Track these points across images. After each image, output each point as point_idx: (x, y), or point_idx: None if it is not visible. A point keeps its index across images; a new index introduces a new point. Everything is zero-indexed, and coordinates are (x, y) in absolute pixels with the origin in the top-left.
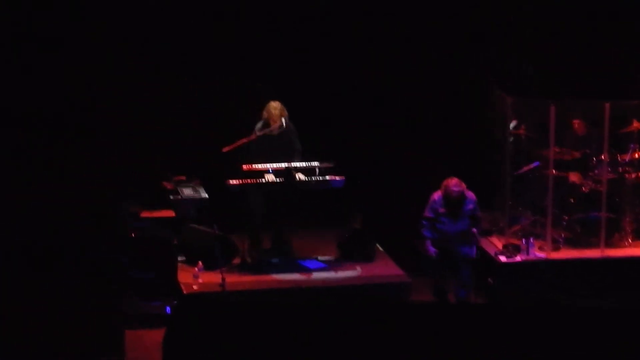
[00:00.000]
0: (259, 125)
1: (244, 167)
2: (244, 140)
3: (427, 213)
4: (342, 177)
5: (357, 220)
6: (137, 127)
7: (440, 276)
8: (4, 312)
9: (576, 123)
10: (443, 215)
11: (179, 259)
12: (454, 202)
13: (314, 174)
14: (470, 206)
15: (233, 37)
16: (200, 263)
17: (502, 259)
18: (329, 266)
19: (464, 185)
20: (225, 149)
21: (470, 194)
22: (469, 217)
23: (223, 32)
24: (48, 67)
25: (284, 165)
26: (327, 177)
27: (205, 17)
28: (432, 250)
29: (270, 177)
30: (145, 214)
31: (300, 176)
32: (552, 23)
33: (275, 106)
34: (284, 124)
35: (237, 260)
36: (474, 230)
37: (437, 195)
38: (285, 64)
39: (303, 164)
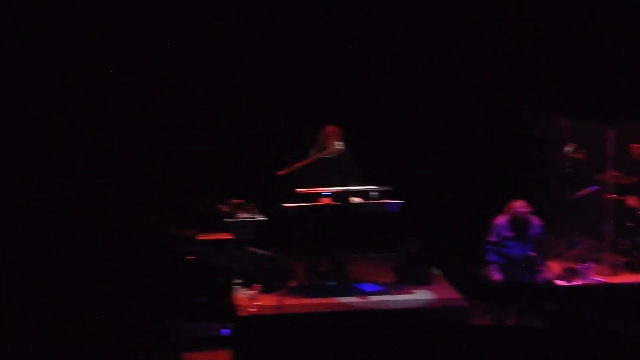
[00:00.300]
0: (315, 148)
1: (299, 190)
2: (300, 163)
3: (491, 237)
4: (399, 201)
5: (414, 244)
6: (193, 150)
7: (502, 301)
8: (52, 332)
9: (635, 147)
10: (508, 239)
11: (236, 281)
12: (519, 225)
13: (370, 198)
14: (536, 230)
15: (292, 63)
16: (257, 286)
17: (561, 283)
18: (385, 289)
19: (530, 208)
20: (281, 172)
21: (535, 219)
22: (533, 242)
23: (282, 58)
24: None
25: (339, 188)
26: (383, 201)
27: (260, 41)
28: (496, 275)
29: (325, 201)
30: (201, 237)
31: (355, 200)
32: (607, 48)
33: (331, 130)
34: (340, 148)
35: (293, 283)
36: (535, 255)
37: (501, 219)
38: (343, 87)
39: (359, 188)
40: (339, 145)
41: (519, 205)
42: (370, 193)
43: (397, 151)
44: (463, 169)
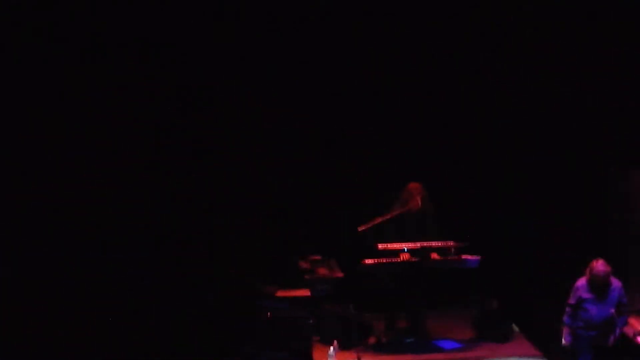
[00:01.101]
0: (396, 204)
1: (379, 246)
2: (380, 219)
3: (570, 300)
4: (478, 257)
5: (493, 300)
6: (273, 204)
7: None
8: None
9: None
10: (588, 302)
11: (314, 338)
12: (599, 287)
13: (450, 253)
14: (617, 292)
15: (381, 122)
16: (335, 342)
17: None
18: (464, 346)
19: (610, 269)
20: (361, 228)
21: (616, 281)
22: (615, 305)
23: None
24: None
25: (418, 244)
26: (463, 257)
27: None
28: (567, 338)
29: (405, 257)
30: (281, 294)
31: (435, 255)
32: None
33: (414, 187)
34: (422, 204)
35: (372, 340)
36: (622, 319)
37: (581, 281)
38: (426, 144)
39: (438, 244)
40: (420, 201)
41: (599, 264)
42: (452, 247)
43: (477, 207)
44: (545, 226)
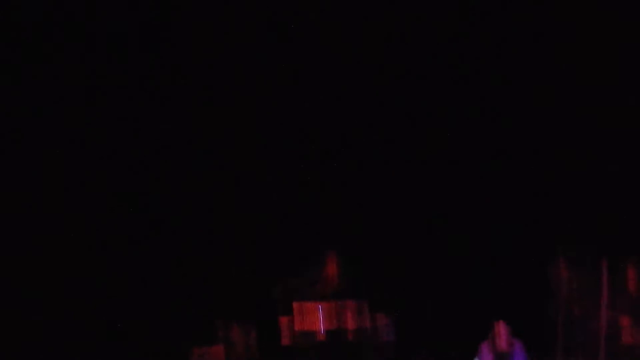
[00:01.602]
0: None
1: None
2: None
3: None
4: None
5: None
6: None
7: None
8: None
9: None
10: None
11: None
12: (501, 353)
13: None
14: (519, 358)
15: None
16: None
17: None
18: None
19: (509, 333)
20: None
21: (518, 344)
22: None
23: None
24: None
25: None
26: None
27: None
28: None
29: None
30: None
31: None
32: None
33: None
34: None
35: None
36: None
37: (485, 344)
38: None
39: None
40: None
41: (500, 330)
42: None
43: None
44: None
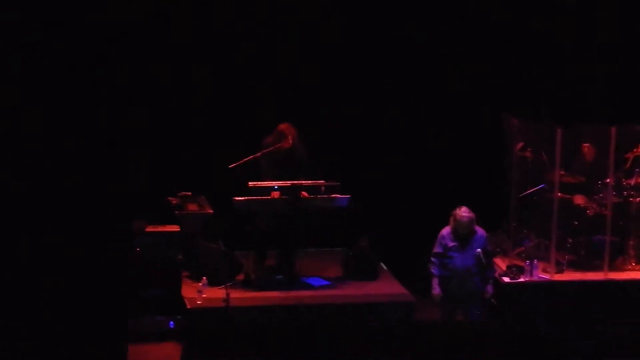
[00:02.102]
0: (267, 142)
1: (250, 183)
2: (251, 157)
3: (436, 249)
4: (348, 196)
5: (363, 240)
6: (143, 139)
7: (448, 314)
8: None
9: (585, 147)
10: (452, 250)
11: (184, 274)
12: (463, 235)
13: (320, 192)
14: (481, 241)
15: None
16: (204, 278)
17: (506, 279)
18: (332, 284)
19: (473, 215)
20: (232, 165)
21: (480, 230)
22: (479, 253)
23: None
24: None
25: (289, 183)
26: (333, 196)
27: (212, 26)
28: (437, 290)
29: (275, 195)
30: (150, 229)
31: (305, 194)
32: (557, 47)
33: (284, 127)
34: (293, 142)
35: (241, 277)
36: (489, 269)
37: (446, 230)
38: (295, 77)
39: (309, 182)
40: (290, 141)
41: (462, 212)
42: (322, 186)
43: (347, 145)
44: (413, 164)
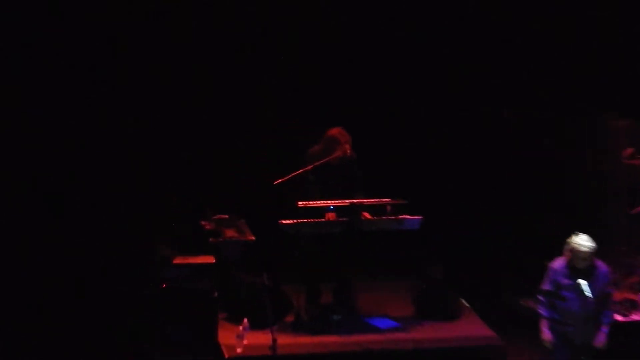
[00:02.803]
0: (315, 152)
1: (300, 203)
2: (299, 171)
3: (545, 285)
4: (419, 217)
5: (438, 270)
6: (171, 152)
7: None
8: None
9: None
10: (567, 289)
11: (220, 314)
12: (581, 270)
13: (385, 213)
14: (602, 279)
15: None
16: (245, 320)
17: (617, 317)
18: (403, 325)
19: (595, 246)
20: (277, 182)
21: (602, 265)
22: (598, 294)
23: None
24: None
25: (347, 201)
26: (401, 217)
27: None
28: (547, 334)
29: (331, 216)
30: (179, 260)
31: (367, 215)
32: None
33: (337, 132)
34: (348, 153)
35: (290, 318)
36: (606, 313)
37: (558, 263)
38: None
39: (371, 201)
40: (346, 149)
41: (582, 242)
42: (388, 205)
43: (415, 156)
44: (500, 178)
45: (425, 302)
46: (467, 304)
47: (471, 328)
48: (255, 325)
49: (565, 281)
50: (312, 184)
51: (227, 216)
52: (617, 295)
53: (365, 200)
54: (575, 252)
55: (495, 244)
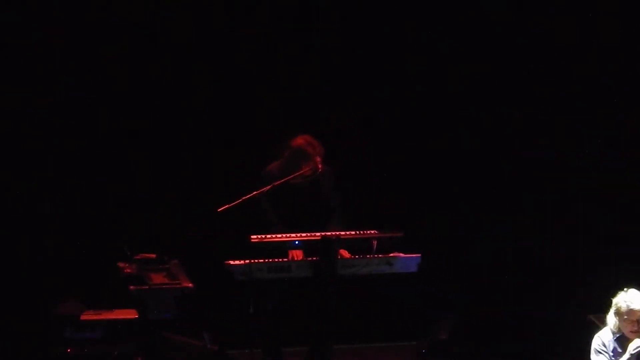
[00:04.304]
0: (274, 169)
1: (253, 238)
2: (254, 193)
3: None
4: (417, 255)
5: (444, 325)
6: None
7: None
8: None
9: None
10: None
11: None
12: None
13: (371, 250)
14: None
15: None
16: None
17: None
18: None
19: None
20: (222, 209)
21: None
22: None
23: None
24: None
25: (318, 234)
26: (393, 255)
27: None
28: None
29: (297, 255)
30: (87, 316)
31: (346, 253)
32: None
33: (303, 142)
34: (319, 168)
35: None
36: None
37: (604, 334)
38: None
39: (351, 233)
40: (317, 163)
41: (630, 301)
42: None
43: (409, 174)
44: (508, 202)
45: None
46: None
47: None
48: None
49: (615, 347)
50: (268, 212)
51: (154, 255)
52: None
53: (343, 233)
54: (627, 316)
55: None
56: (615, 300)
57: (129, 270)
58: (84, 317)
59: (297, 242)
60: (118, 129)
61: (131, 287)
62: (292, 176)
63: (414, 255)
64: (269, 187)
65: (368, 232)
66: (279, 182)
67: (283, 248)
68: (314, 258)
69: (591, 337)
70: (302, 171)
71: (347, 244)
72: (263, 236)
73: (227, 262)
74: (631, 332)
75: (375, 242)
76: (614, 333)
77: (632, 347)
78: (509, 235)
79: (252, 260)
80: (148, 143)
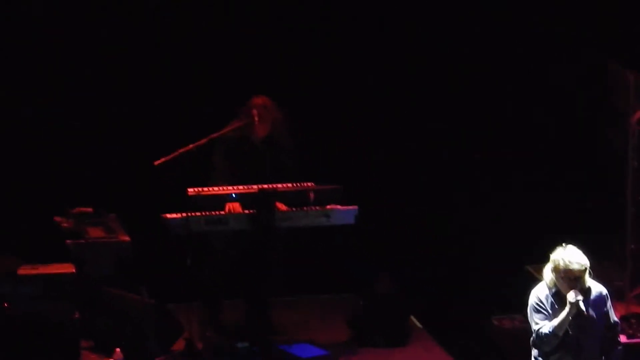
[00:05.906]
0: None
1: (190, 191)
2: (189, 146)
3: (536, 320)
4: (354, 207)
5: (381, 280)
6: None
7: None
8: None
9: None
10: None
11: (84, 343)
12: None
13: (307, 202)
14: (601, 304)
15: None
16: (118, 351)
17: (621, 338)
18: (333, 354)
19: (587, 262)
20: (158, 162)
21: (597, 285)
22: (601, 325)
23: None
24: None
25: (255, 187)
26: (329, 207)
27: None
28: None
29: (234, 207)
30: (25, 270)
31: (282, 206)
32: None
33: (258, 101)
34: (255, 120)
35: (180, 346)
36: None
37: (540, 289)
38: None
39: (287, 186)
40: (253, 115)
41: (571, 258)
42: (311, 192)
43: (352, 133)
44: (457, 156)
45: (364, 324)
46: (419, 325)
47: (426, 356)
48: (131, 358)
49: (553, 311)
50: (218, 167)
51: (91, 209)
52: (623, 309)
53: (280, 186)
54: (563, 272)
55: (459, 244)
56: (552, 257)
57: (66, 225)
58: (21, 271)
59: (234, 195)
60: (55, 80)
61: (68, 241)
62: (227, 129)
63: (351, 207)
64: (205, 139)
65: (305, 184)
66: (216, 134)
67: (221, 201)
68: (251, 211)
69: (529, 288)
70: (237, 124)
71: (285, 196)
72: (200, 189)
73: (164, 215)
74: (569, 288)
75: (312, 195)
76: (549, 288)
77: (571, 297)
78: (447, 191)
79: (189, 214)
80: (87, 94)
